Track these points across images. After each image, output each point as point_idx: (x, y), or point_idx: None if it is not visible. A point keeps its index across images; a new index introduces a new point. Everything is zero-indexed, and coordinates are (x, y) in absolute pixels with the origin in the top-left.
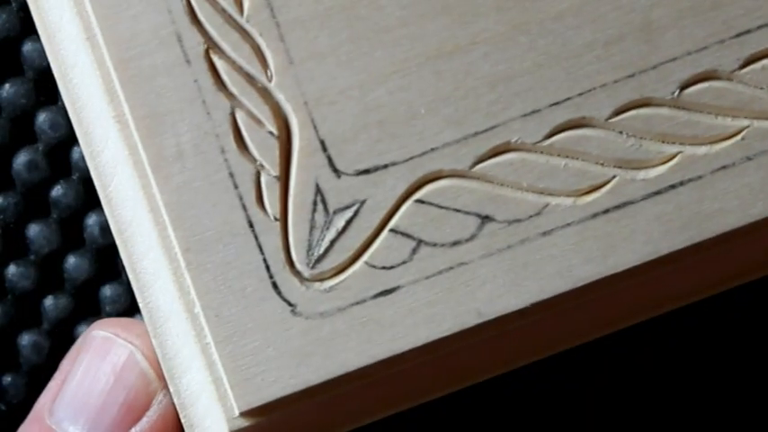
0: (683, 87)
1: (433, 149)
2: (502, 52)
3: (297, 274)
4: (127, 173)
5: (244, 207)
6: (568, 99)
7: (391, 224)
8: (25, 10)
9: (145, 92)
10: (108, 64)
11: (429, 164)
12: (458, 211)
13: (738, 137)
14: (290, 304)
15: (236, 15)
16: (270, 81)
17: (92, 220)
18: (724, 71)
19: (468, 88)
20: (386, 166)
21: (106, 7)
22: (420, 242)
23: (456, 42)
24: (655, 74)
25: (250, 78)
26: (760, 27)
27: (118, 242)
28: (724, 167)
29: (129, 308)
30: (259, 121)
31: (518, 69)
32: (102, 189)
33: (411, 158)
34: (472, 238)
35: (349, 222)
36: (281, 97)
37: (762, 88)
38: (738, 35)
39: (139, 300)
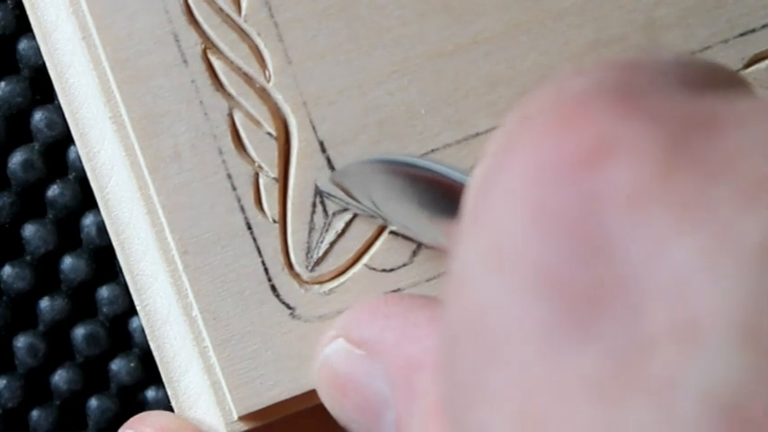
0: None
1: (433, 150)
2: (503, 52)
3: (296, 276)
4: (124, 174)
5: (242, 209)
6: None
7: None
8: (20, 7)
9: (142, 92)
10: (104, 64)
11: None
12: None
13: None
14: (288, 307)
15: (233, 15)
16: (268, 81)
17: (88, 220)
18: None
19: (469, 88)
20: None
21: (102, 7)
22: (420, 244)
23: (456, 42)
24: None
25: (248, 78)
26: (764, 26)
27: (115, 244)
28: None
29: (127, 310)
30: (257, 122)
31: (519, 69)
32: (99, 190)
33: None
34: None
35: (348, 224)
36: (279, 98)
37: (766, 88)
38: (742, 34)
39: (137, 302)
